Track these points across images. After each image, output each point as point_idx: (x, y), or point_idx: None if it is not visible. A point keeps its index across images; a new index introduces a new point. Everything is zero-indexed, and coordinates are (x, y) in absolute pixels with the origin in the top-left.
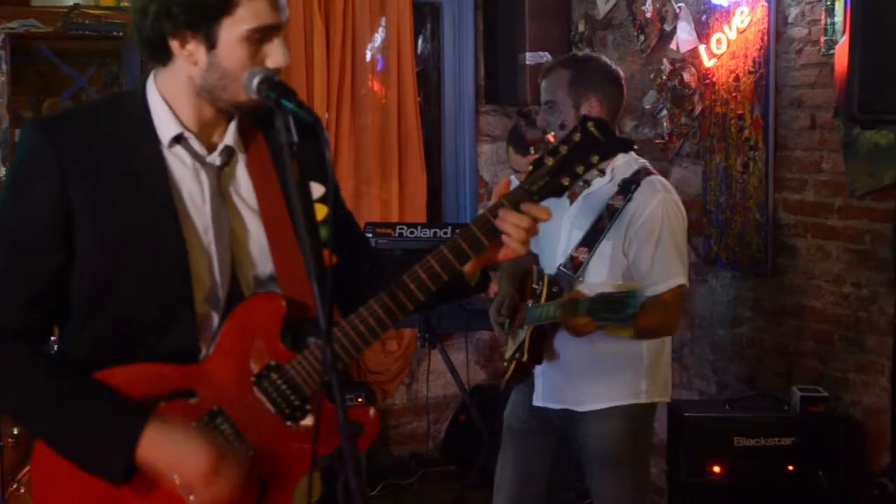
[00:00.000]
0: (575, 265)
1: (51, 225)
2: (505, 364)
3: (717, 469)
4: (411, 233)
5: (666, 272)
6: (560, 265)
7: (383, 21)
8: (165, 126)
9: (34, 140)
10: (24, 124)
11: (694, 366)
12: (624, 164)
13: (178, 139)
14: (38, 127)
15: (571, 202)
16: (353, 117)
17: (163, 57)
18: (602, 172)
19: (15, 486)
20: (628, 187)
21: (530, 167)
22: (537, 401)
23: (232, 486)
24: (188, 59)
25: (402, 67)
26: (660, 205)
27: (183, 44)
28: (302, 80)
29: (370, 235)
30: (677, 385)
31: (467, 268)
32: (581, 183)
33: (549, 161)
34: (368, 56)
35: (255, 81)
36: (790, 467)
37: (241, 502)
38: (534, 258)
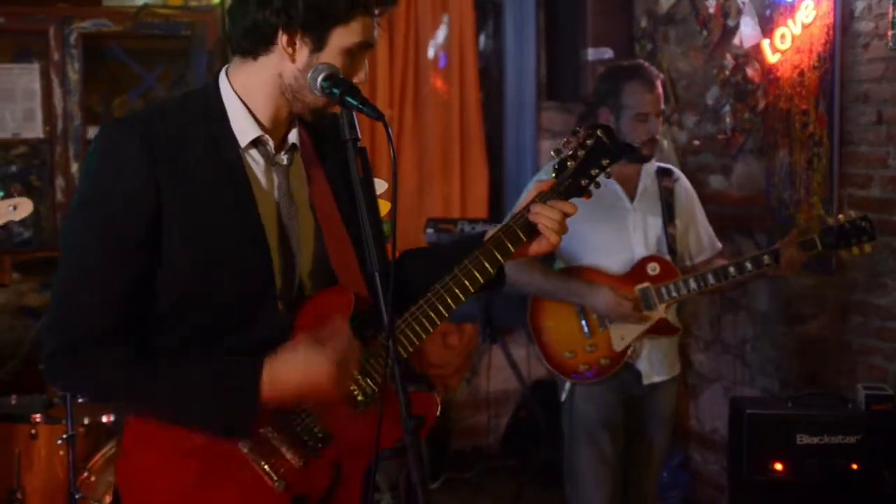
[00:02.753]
0: (673, 241)
1: (141, 224)
2: (605, 361)
3: (779, 467)
4: (472, 228)
5: (713, 235)
6: (669, 244)
7: (445, 18)
8: (244, 128)
9: (123, 140)
10: (107, 125)
11: (756, 363)
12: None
13: (256, 142)
14: (127, 128)
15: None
16: (415, 114)
17: (258, 50)
18: (609, 175)
19: (86, 474)
20: (665, 171)
21: (555, 171)
22: (647, 379)
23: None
24: (289, 55)
25: (465, 64)
26: (688, 184)
27: (292, 40)
28: None
29: (432, 231)
30: (739, 382)
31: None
32: (594, 185)
33: (571, 164)
34: (431, 53)
35: (320, 78)
36: (854, 466)
37: (315, 486)
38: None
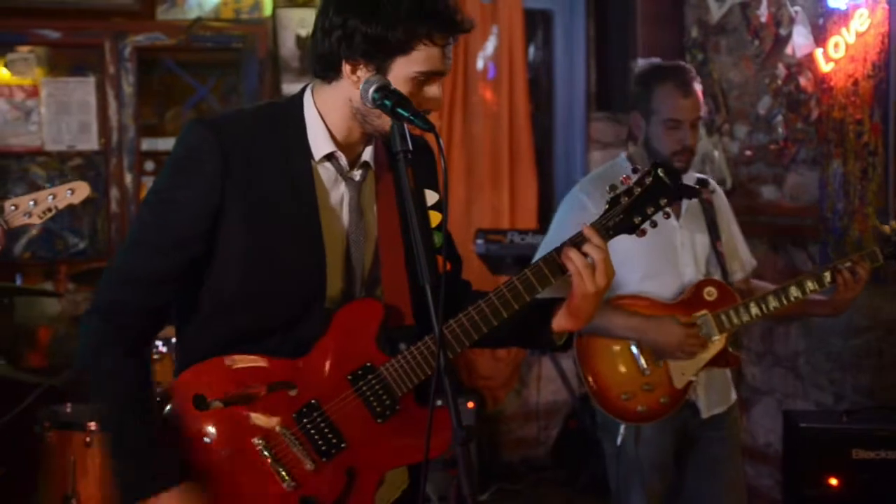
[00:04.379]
0: (723, 260)
1: (200, 218)
2: (664, 399)
3: (834, 482)
4: (522, 239)
5: (745, 247)
6: (718, 263)
7: (495, 29)
8: (319, 142)
9: (202, 138)
10: (190, 124)
11: (809, 376)
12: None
13: (329, 156)
14: (207, 127)
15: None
16: (464, 125)
17: (331, 75)
18: (668, 215)
19: None
20: (702, 181)
21: (607, 205)
22: (707, 412)
23: None
24: (355, 83)
25: (514, 75)
26: (723, 195)
27: (355, 69)
28: None
29: (482, 242)
30: (792, 395)
31: (556, 325)
32: (649, 223)
33: (624, 200)
34: (480, 64)
35: (371, 90)
36: None
37: (325, 491)
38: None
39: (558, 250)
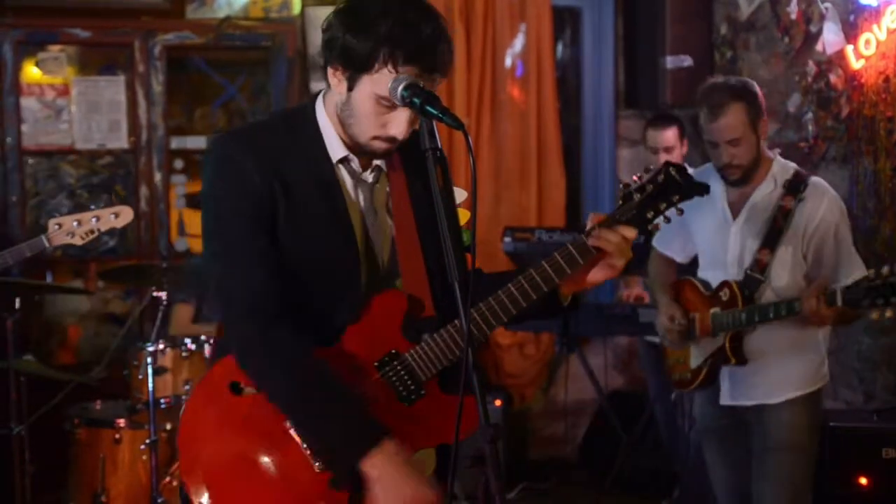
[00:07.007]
0: (761, 267)
1: (260, 200)
2: (687, 374)
3: (864, 481)
4: (550, 237)
5: (853, 264)
6: (747, 269)
7: (523, 27)
8: (334, 147)
9: (230, 143)
10: (219, 138)
11: (839, 375)
12: (781, 168)
13: (343, 160)
14: (230, 135)
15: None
16: (492, 123)
17: (327, 80)
18: (681, 211)
19: (168, 478)
20: (796, 187)
21: (620, 201)
22: (725, 400)
23: None
24: (336, 87)
25: (542, 73)
26: (833, 203)
27: (334, 73)
28: (442, 85)
29: (509, 239)
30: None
31: (565, 289)
32: (661, 218)
33: (637, 197)
34: (508, 62)
35: (400, 88)
36: None
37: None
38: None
39: (587, 234)
